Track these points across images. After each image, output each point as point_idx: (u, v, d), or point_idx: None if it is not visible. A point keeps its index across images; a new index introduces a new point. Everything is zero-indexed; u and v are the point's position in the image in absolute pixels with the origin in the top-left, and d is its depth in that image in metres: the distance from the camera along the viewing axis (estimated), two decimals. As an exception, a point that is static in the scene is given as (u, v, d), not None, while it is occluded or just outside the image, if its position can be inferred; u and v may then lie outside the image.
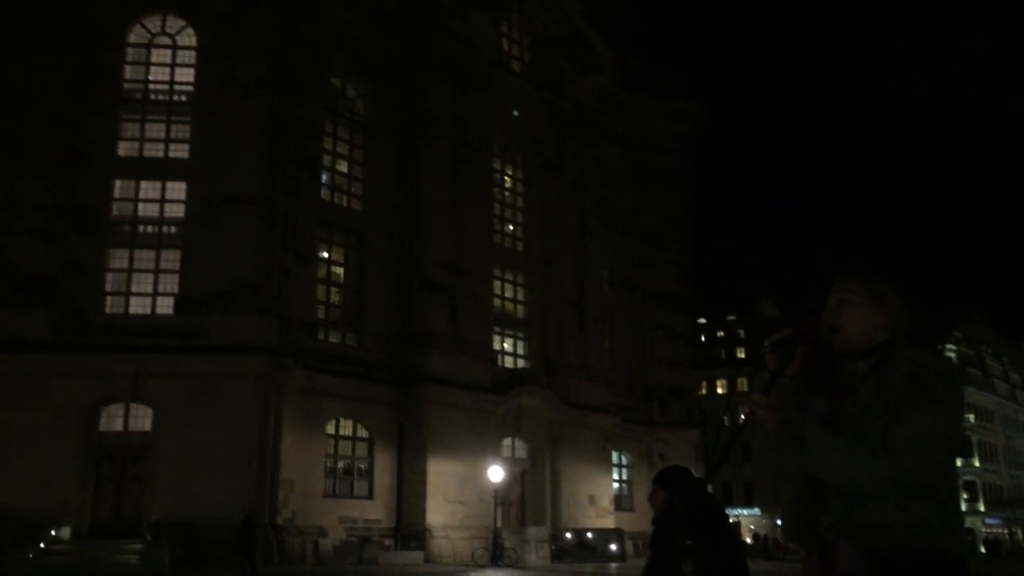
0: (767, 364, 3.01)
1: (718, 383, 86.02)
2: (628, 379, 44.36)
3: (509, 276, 38.36)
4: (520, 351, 38.25)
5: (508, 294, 38.36)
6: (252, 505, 25.84)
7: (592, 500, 38.15)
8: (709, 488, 4.64)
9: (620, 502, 41.40)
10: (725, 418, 60.68)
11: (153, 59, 31.10)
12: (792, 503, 3.02)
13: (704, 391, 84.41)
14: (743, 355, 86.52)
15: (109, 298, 29.01)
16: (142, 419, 28.07)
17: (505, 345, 37.79)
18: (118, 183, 29.93)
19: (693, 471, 4.84)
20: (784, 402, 2.91)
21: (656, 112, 46.09)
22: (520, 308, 38.59)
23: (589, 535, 34.83)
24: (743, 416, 3.12)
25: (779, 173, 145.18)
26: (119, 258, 29.45)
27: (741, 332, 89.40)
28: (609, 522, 37.90)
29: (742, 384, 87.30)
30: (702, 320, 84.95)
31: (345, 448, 32.13)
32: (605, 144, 43.45)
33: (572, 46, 40.80)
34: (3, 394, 26.78)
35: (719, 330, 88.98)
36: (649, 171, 46.16)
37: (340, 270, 33.79)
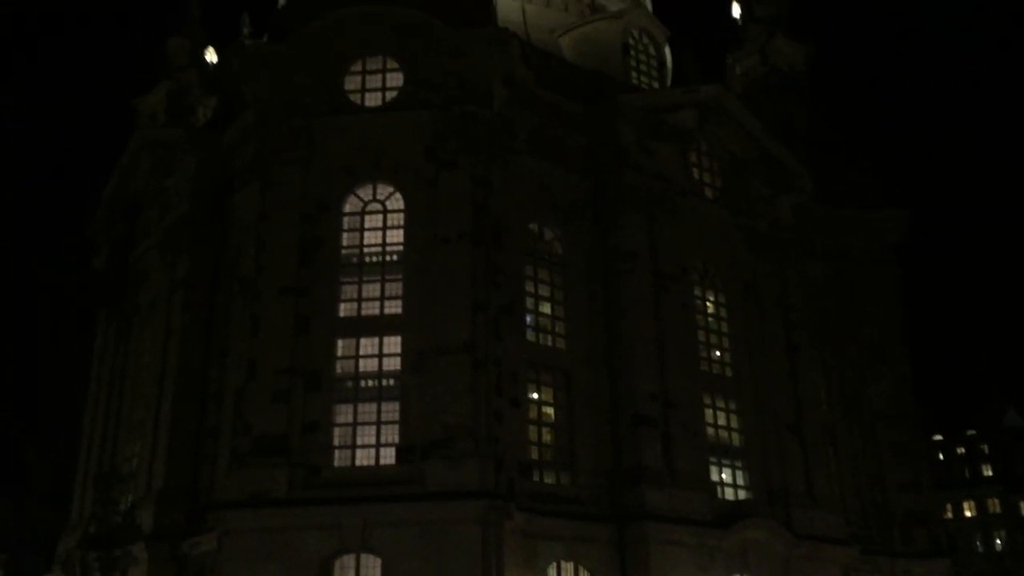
0: None
1: (965, 505, 78.93)
2: (861, 506, 41.52)
3: (720, 403, 37.36)
4: (740, 481, 36.76)
5: (721, 422, 37.25)
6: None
7: (835, 640, 35.33)
8: None
9: (867, 642, 38.07)
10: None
11: (366, 225, 33.53)
12: None
13: (950, 514, 77.54)
14: (990, 473, 79.29)
15: (337, 452, 30.56)
16: (373, 569, 28.85)
17: (723, 476, 36.46)
18: (340, 342, 31.95)
19: None
20: None
21: (857, 222, 44.69)
22: (735, 436, 37.33)
23: None
24: None
25: (1008, 270, 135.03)
26: (344, 413, 31.11)
27: (985, 447, 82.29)
28: (857, 664, 34.83)
29: (993, 505, 79.54)
30: (938, 437, 78.97)
31: (568, 591, 31.55)
32: (807, 260, 42.37)
33: (762, 167, 40.62)
34: (247, 550, 28.48)
35: (958, 446, 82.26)
36: (857, 282, 44.41)
37: (550, 409, 34.11)
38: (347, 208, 33.56)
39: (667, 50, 44.24)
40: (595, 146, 37.41)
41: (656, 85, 42.74)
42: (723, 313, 39.02)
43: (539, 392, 34.04)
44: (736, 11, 50.73)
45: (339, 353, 31.80)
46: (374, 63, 34.47)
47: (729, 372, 38.09)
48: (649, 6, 49.40)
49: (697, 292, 38.50)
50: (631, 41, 42.72)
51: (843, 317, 44.19)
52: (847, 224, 44.86)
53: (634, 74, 42.26)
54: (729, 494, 36.06)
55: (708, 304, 38.89)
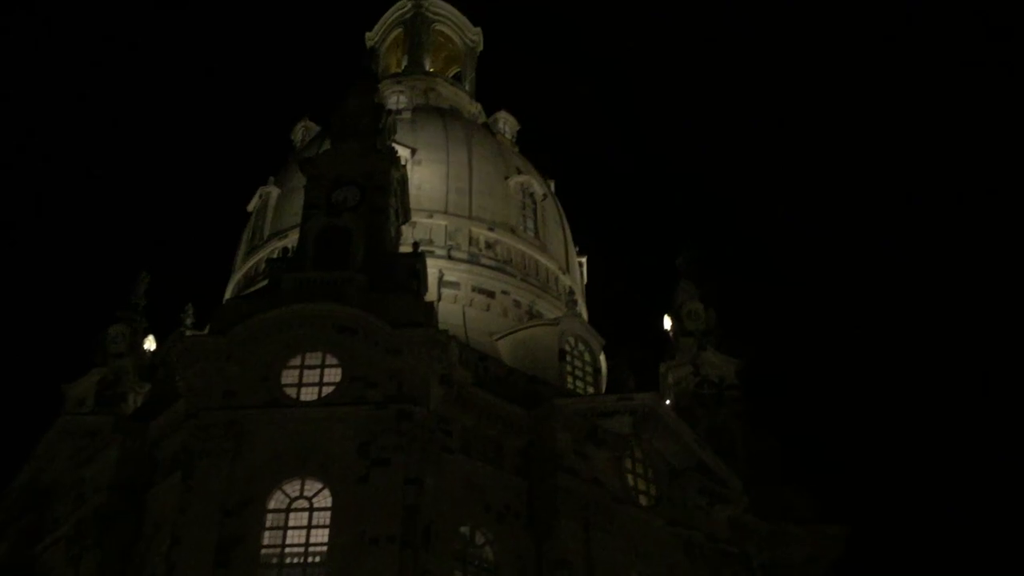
0: None
1: None
2: None
3: None
4: None
5: None
6: None
7: None
8: None
9: None
10: None
11: (291, 522, 32.02)
12: None
13: None
14: None
15: None
16: None
17: None
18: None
19: None
20: None
21: (795, 538, 44.00)
22: None
23: None
24: None
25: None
26: None
27: None
28: None
29: None
30: None
31: None
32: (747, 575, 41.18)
33: (698, 476, 40.52)
34: None
35: None
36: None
37: None
38: (272, 504, 32.22)
39: (602, 357, 45.54)
40: (531, 448, 37.31)
41: (591, 390, 43.49)
42: (666, 631, 37.09)
43: None
44: (668, 323, 52.97)
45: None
46: (313, 358, 34.74)
47: None
48: (585, 315, 51.51)
49: (638, 604, 36.81)
50: (567, 347, 43.99)
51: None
52: (785, 539, 44.08)
53: (570, 379, 43.13)
54: None
55: (649, 620, 37.02)
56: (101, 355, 44.71)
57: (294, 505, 32.35)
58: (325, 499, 32.36)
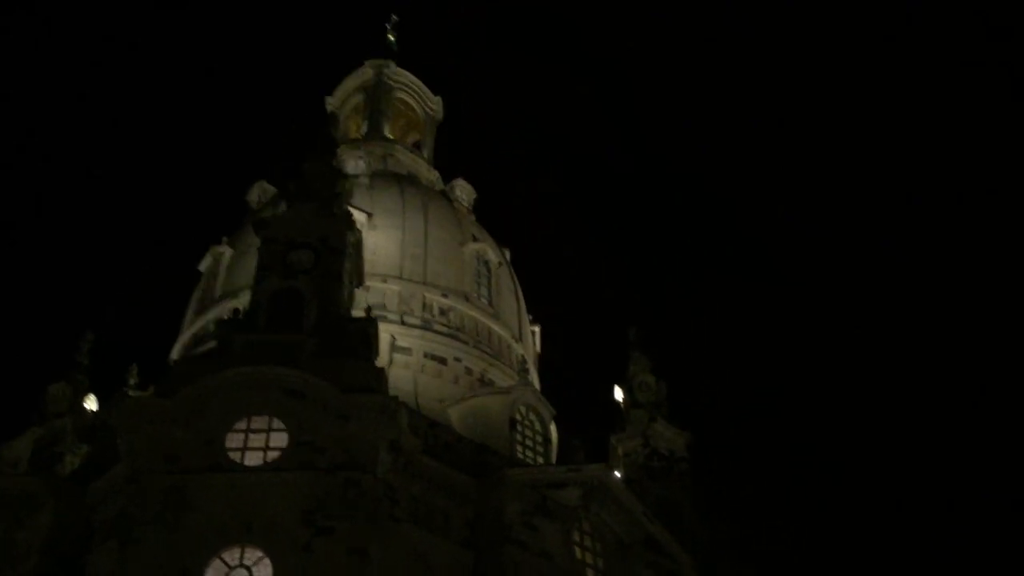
0: None
1: None
2: None
3: None
4: None
5: None
6: None
7: None
8: None
9: None
10: None
11: (229, 593, 31.18)
12: None
13: None
14: None
15: None
16: None
17: None
18: None
19: None
20: None
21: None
22: None
23: None
24: None
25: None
26: None
27: None
28: None
29: None
30: None
31: None
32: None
33: (646, 551, 40.17)
34: None
35: None
36: None
37: None
38: (209, 573, 31.24)
39: (553, 427, 45.36)
40: (479, 519, 36.77)
41: (541, 461, 43.21)
42: None
43: None
44: (619, 394, 53.00)
45: None
46: (259, 422, 34.10)
47: None
48: (537, 384, 51.43)
49: None
50: (518, 416, 43.79)
51: None
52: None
53: (519, 448, 42.86)
54: None
55: None
56: (39, 414, 43.51)
57: (233, 574, 31.45)
58: (265, 568, 31.47)
